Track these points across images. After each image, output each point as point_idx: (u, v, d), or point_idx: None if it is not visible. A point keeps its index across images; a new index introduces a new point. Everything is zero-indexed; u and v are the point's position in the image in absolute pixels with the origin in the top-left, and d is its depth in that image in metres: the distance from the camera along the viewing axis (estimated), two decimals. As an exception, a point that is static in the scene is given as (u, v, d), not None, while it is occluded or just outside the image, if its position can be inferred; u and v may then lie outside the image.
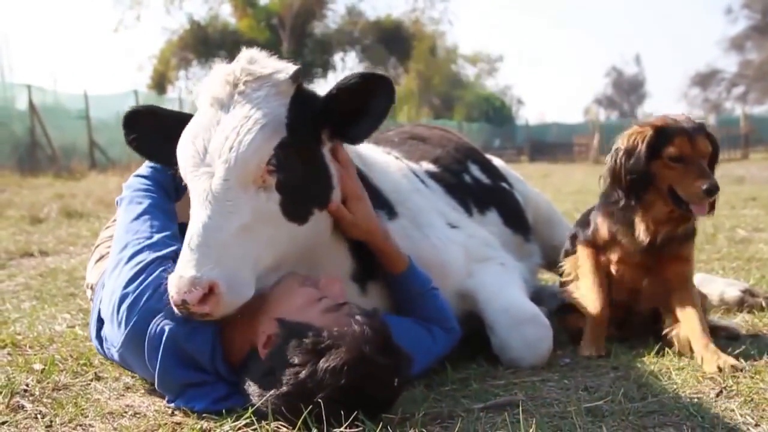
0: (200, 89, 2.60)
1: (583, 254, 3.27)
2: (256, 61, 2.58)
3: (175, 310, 2.30)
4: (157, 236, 2.64)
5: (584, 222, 3.38)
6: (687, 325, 3.03)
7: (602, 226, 3.18)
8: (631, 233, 3.08)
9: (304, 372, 2.15)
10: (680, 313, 3.08)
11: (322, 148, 2.64)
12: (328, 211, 2.65)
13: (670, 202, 3.01)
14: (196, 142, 2.47)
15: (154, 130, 2.81)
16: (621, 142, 3.06)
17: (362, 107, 2.58)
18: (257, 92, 2.50)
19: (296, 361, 2.17)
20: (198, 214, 2.37)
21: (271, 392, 2.18)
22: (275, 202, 2.45)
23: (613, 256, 3.18)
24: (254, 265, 2.39)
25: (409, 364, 2.33)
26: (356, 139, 2.71)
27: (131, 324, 2.41)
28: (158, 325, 2.37)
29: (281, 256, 2.53)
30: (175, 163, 2.55)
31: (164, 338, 2.36)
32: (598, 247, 3.22)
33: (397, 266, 2.83)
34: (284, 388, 2.17)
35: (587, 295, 3.23)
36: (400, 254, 2.84)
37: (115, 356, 2.63)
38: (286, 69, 2.58)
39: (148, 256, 2.54)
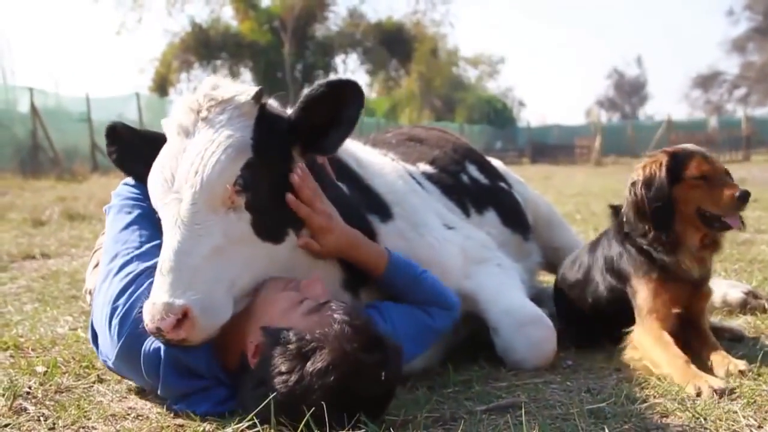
0: (168, 121, 2.59)
1: (650, 288, 3.03)
2: (218, 87, 2.57)
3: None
4: (145, 246, 2.64)
5: (594, 252, 3.35)
6: (698, 337, 3.04)
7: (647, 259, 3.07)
8: (674, 267, 3.01)
9: (292, 378, 2.15)
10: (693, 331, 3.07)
11: (293, 167, 2.59)
12: (299, 245, 2.62)
13: (702, 226, 2.98)
14: (164, 171, 2.47)
15: (131, 147, 2.83)
16: (636, 175, 3.03)
17: (332, 116, 2.55)
18: (220, 116, 2.48)
19: (284, 368, 2.17)
20: (169, 240, 2.36)
21: (266, 401, 2.16)
22: (246, 221, 2.43)
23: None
24: (230, 287, 2.37)
25: (398, 356, 2.31)
26: (329, 150, 2.67)
27: (123, 338, 2.42)
28: (152, 343, 2.38)
29: (262, 276, 2.50)
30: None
31: (162, 355, 2.37)
32: (660, 280, 3.03)
33: (378, 267, 2.79)
34: (277, 397, 2.15)
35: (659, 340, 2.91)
36: (377, 254, 2.79)
37: (111, 366, 2.65)
38: (248, 91, 2.56)
39: (137, 267, 2.54)
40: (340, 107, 2.55)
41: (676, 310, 2.98)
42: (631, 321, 3.05)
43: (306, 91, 2.58)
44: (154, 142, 2.64)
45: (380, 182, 3.16)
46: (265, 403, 2.14)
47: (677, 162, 2.99)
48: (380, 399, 2.27)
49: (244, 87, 2.61)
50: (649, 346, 2.88)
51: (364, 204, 2.96)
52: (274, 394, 2.15)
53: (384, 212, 3.04)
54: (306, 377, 2.13)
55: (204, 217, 2.36)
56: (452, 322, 2.89)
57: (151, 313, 2.24)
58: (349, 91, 2.54)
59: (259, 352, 2.28)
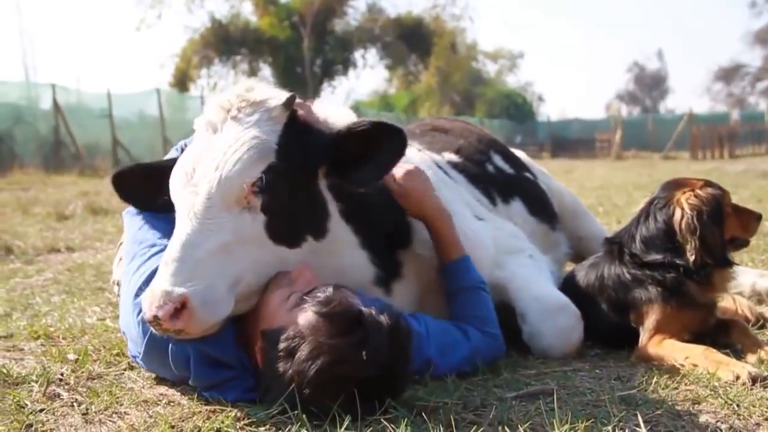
0: (200, 119, 2.60)
1: (666, 314, 3.00)
2: (252, 89, 2.58)
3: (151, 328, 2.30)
4: (159, 242, 2.66)
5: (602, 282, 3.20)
6: (724, 324, 3.07)
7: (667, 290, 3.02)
8: (697, 294, 3.01)
9: (287, 377, 2.19)
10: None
11: (317, 180, 2.60)
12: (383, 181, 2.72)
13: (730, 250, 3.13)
14: (186, 164, 2.48)
15: (145, 183, 2.81)
16: (697, 205, 2.98)
17: (369, 154, 2.55)
18: (249, 117, 2.49)
19: (280, 370, 2.21)
20: (178, 231, 2.37)
21: (277, 405, 2.21)
22: (260, 223, 2.43)
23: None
24: (233, 284, 2.35)
25: (382, 333, 2.21)
26: (358, 184, 2.65)
27: (148, 335, 2.44)
28: (179, 345, 2.40)
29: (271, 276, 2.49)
30: (170, 203, 2.54)
31: (190, 351, 2.40)
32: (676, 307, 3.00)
33: (453, 253, 2.88)
34: (282, 400, 2.19)
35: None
36: (458, 242, 2.90)
37: (141, 363, 2.70)
38: (281, 96, 2.56)
39: (152, 264, 2.56)
40: (377, 149, 2.55)
41: (685, 336, 2.96)
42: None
43: (351, 123, 2.60)
44: (168, 168, 2.61)
45: None
46: (278, 404, 2.20)
47: (723, 193, 3.09)
48: (385, 377, 2.23)
49: (277, 92, 2.61)
50: (664, 351, 2.86)
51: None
52: (280, 400, 2.19)
53: None
54: (295, 374, 2.16)
55: (217, 212, 2.36)
56: (488, 351, 2.83)
57: (149, 300, 2.22)
58: (393, 136, 2.55)
59: (262, 357, 2.33)
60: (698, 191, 3.03)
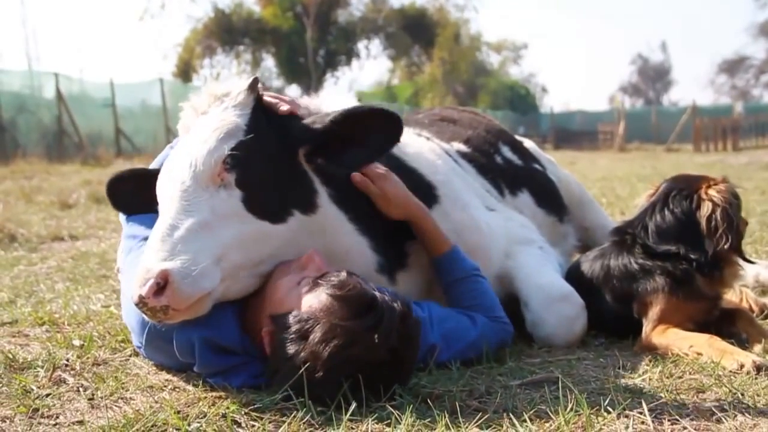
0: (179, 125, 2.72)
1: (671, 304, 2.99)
2: (218, 86, 2.68)
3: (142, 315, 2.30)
4: None
5: (616, 274, 3.16)
6: (729, 312, 3.07)
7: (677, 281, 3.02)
8: (703, 286, 3.01)
9: (298, 360, 2.19)
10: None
11: (298, 159, 2.62)
12: (353, 182, 2.71)
13: None
14: (167, 165, 2.55)
15: (140, 191, 2.80)
16: (728, 198, 2.99)
17: (361, 137, 2.59)
18: (217, 109, 2.57)
19: (290, 352, 2.22)
20: (160, 218, 2.41)
21: (284, 388, 2.22)
22: (237, 198, 2.44)
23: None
24: (217, 260, 2.34)
25: (394, 317, 2.24)
26: (344, 165, 2.67)
27: (148, 326, 2.45)
28: (183, 333, 2.41)
29: (257, 254, 2.48)
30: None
31: (194, 339, 2.41)
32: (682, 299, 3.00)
33: (440, 248, 2.86)
34: (291, 382, 2.20)
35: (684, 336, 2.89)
36: (443, 235, 2.87)
37: (144, 354, 2.74)
38: (245, 83, 2.61)
39: None
40: (372, 132, 2.59)
41: (688, 326, 2.95)
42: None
43: (347, 106, 2.62)
44: (156, 178, 2.64)
45: (422, 164, 3.17)
46: (283, 390, 2.21)
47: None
48: (394, 362, 2.24)
49: (242, 81, 2.66)
50: (668, 340, 2.85)
51: (409, 188, 2.95)
52: (290, 382, 2.19)
53: (430, 195, 3.05)
54: (309, 356, 2.17)
55: (193, 194, 2.40)
56: (497, 336, 2.83)
57: (133, 283, 2.25)
58: (385, 120, 2.60)
59: (271, 340, 2.34)
60: (721, 186, 3.03)
